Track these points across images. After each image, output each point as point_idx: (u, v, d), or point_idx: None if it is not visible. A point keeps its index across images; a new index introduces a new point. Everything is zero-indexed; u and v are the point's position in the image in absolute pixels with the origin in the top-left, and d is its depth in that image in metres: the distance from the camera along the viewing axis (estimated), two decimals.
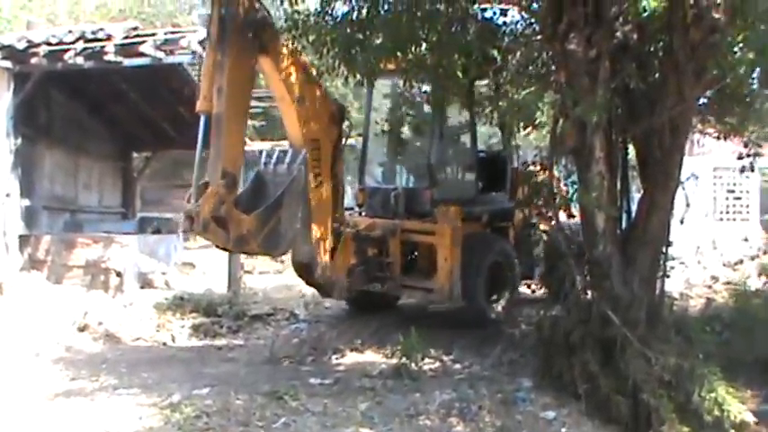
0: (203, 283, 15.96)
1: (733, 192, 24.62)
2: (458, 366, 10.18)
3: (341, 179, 11.11)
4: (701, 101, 10.09)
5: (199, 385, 9.05)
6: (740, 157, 10.47)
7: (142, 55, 15.17)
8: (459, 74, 10.36)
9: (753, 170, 10.39)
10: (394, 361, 9.82)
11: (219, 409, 7.96)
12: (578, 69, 8.48)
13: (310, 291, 16.22)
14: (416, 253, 12.63)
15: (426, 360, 10.02)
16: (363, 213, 12.85)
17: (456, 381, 9.40)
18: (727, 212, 24.57)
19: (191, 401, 8.25)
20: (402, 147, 13.26)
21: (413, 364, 9.59)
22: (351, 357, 10.88)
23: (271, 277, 18.24)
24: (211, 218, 8.69)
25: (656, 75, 9.11)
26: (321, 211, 10.55)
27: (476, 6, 9.90)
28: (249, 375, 9.75)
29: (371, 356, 10.80)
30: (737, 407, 7.57)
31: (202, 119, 9.03)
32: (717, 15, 7.72)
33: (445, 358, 10.42)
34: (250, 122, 28.03)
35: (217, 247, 9.71)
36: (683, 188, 18.66)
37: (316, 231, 10.46)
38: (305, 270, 10.97)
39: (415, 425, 7.91)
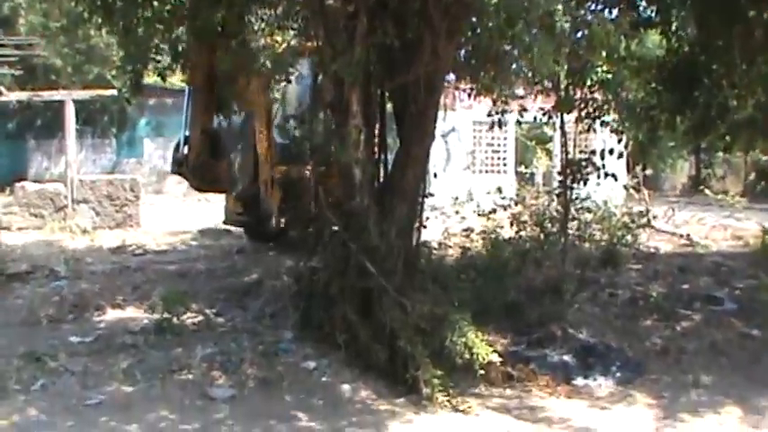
0: None
1: (492, 145, 25.89)
2: (220, 320, 10.15)
3: (273, 137, 14.13)
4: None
5: None
6: (489, 114, 11.00)
7: None
8: (219, 28, 10.28)
9: (501, 126, 11.06)
10: (156, 316, 9.66)
11: None
12: (336, 25, 8.63)
13: (72, 246, 15.89)
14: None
15: (189, 314, 9.97)
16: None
17: (218, 334, 9.44)
18: (487, 165, 25.84)
19: None
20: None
21: (175, 319, 9.53)
22: (112, 314, 10.65)
23: (30, 234, 17.59)
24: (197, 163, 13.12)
25: (413, 32, 9.32)
26: (265, 160, 13.75)
27: None
28: (5, 337, 9.44)
29: (133, 313, 10.61)
30: (485, 349, 8.03)
31: (187, 89, 13.70)
32: None
33: (208, 312, 10.35)
34: (7, 71, 26.82)
35: (192, 186, 15.48)
36: (446, 141, 19.24)
37: (261, 175, 13.78)
38: (247, 205, 14.53)
39: (177, 380, 7.96)
